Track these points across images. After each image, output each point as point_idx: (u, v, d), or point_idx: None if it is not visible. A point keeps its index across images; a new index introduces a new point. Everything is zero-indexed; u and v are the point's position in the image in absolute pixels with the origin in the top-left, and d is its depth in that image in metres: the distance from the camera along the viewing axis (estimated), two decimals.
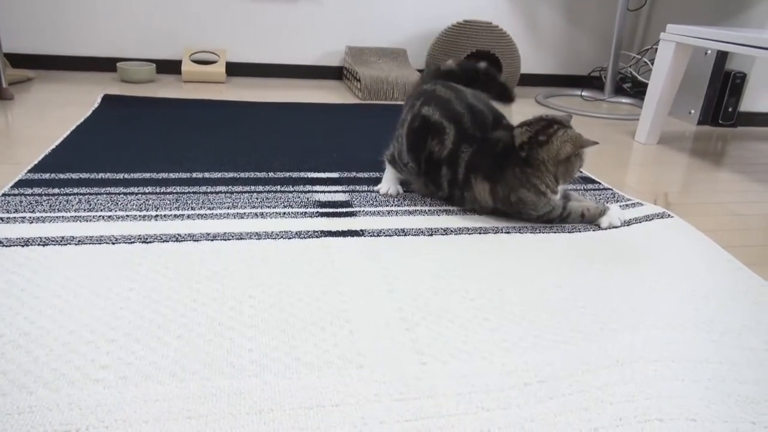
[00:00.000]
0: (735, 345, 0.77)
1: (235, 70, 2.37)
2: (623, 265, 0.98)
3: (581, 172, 1.26)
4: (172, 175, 1.24)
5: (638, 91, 2.49)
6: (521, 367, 0.69)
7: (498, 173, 1.08)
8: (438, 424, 0.60)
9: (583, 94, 2.52)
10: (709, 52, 2.10)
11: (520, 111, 2.19)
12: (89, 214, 1.03)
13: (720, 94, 2.13)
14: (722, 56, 2.09)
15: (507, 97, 1.27)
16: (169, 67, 2.30)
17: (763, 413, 0.65)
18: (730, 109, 2.15)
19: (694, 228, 1.14)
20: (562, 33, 2.63)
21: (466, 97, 1.13)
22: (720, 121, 2.16)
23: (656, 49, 1.82)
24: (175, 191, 1.16)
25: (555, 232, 1.09)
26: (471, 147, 1.09)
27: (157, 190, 1.15)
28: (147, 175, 1.23)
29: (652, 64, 1.85)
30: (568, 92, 2.55)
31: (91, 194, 1.11)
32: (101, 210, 1.05)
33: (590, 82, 2.69)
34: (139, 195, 1.13)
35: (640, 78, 2.51)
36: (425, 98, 1.14)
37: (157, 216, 1.04)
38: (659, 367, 0.71)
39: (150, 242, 0.94)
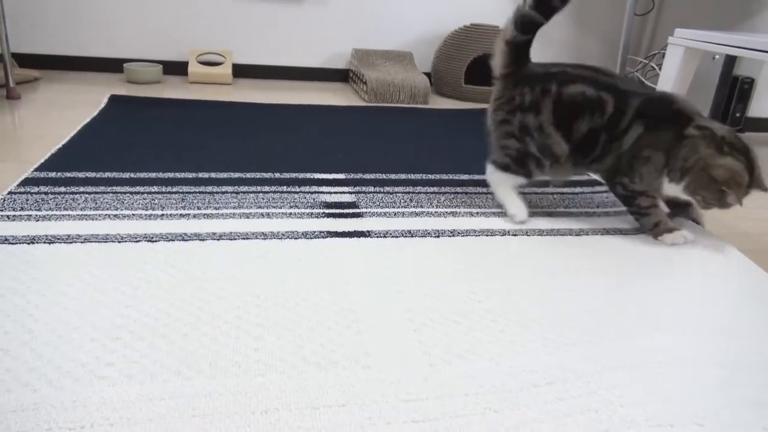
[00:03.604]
0: (746, 349, 0.76)
1: (242, 71, 2.37)
2: (635, 268, 0.97)
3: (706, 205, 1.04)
4: (178, 175, 1.24)
5: None
6: (530, 369, 0.69)
7: (658, 132, 1.02)
8: (446, 425, 0.59)
9: None
10: (717, 57, 2.09)
11: None
12: (95, 212, 1.03)
13: (728, 100, 2.12)
14: (730, 61, 2.08)
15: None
16: (175, 69, 2.30)
17: None
18: (737, 115, 2.14)
19: (706, 231, 1.13)
20: (569, 37, 2.63)
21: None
22: None
23: (663, 53, 1.82)
24: (181, 191, 1.15)
25: (563, 235, 1.08)
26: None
27: (163, 190, 1.15)
28: (153, 175, 1.23)
29: (660, 69, 1.85)
30: None
31: (97, 193, 1.11)
32: (107, 209, 1.05)
33: None
34: (145, 194, 1.12)
35: (647, 82, 2.50)
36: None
37: (163, 215, 1.04)
38: (669, 371, 0.70)
39: (156, 241, 0.94)
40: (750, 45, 1.51)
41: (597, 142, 1.07)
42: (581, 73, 1.08)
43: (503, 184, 1.16)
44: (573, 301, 0.85)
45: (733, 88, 2.10)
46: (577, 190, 1.35)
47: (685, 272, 0.97)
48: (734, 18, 2.16)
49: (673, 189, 1.04)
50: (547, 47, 2.61)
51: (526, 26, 1.07)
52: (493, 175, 1.17)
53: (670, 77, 1.76)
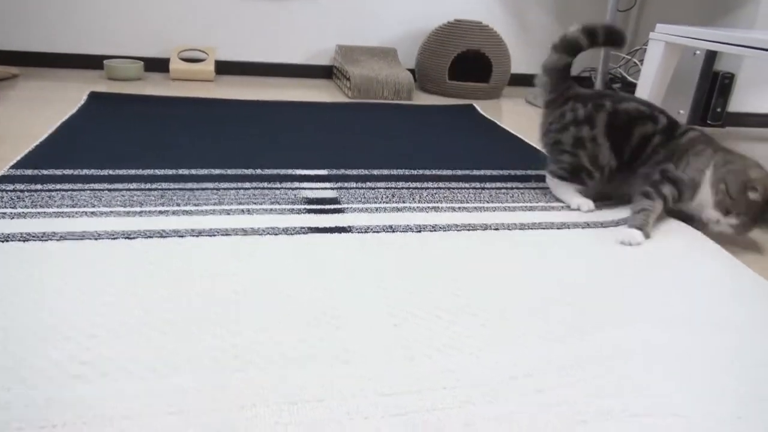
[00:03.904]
0: (726, 341, 0.77)
1: (225, 68, 2.35)
2: (614, 261, 0.98)
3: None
4: (157, 172, 1.23)
5: (628, 91, 2.50)
6: (509, 362, 0.69)
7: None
8: (423, 418, 0.59)
9: None
10: (698, 52, 2.10)
11: (512, 110, 2.19)
12: (72, 210, 1.01)
13: (708, 95, 2.14)
14: (711, 57, 2.10)
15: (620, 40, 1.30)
16: (157, 65, 2.28)
17: (749, 407, 0.64)
18: (718, 110, 2.16)
19: (688, 226, 1.14)
20: (552, 33, 2.63)
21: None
22: (708, 122, 2.17)
23: (645, 49, 1.83)
24: (160, 187, 1.14)
25: (544, 229, 1.09)
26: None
27: (142, 187, 1.14)
28: (132, 172, 1.22)
29: (642, 64, 1.86)
30: None
31: (74, 190, 1.10)
32: (84, 206, 1.03)
33: (580, 82, 2.68)
34: (124, 191, 1.11)
35: (629, 78, 2.51)
36: (613, 97, 1.23)
37: (141, 212, 1.02)
38: (648, 363, 0.70)
39: (134, 238, 0.93)
40: (730, 40, 1.52)
41: (646, 148, 1.18)
42: (631, 96, 1.25)
43: (562, 186, 1.24)
44: (553, 295, 0.85)
45: (714, 83, 2.12)
46: None
47: (665, 265, 0.98)
48: (715, 13, 2.18)
49: (704, 191, 1.10)
50: (533, 47, 2.62)
51: (569, 48, 1.33)
52: (551, 182, 1.27)
53: (651, 73, 1.77)
